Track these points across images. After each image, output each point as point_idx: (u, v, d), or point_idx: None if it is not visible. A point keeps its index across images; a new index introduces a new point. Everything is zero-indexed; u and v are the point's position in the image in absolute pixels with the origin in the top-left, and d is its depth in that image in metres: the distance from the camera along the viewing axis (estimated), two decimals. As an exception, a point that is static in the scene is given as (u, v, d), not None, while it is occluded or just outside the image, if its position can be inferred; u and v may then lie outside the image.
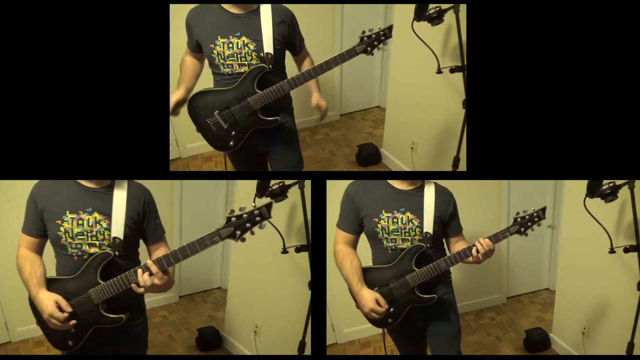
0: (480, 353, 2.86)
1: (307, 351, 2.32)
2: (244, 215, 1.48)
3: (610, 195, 2.01)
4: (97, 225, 1.57)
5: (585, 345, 2.56)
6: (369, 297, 1.74)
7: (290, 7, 1.93)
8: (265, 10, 1.85)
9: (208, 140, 1.95)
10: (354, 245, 1.86)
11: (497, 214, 3.25)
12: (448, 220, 1.82)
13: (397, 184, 1.82)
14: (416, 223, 1.78)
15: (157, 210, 1.70)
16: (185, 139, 3.25)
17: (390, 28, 1.81)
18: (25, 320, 2.94)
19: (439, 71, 2.33)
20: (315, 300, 2.17)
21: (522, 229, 1.74)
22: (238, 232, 1.49)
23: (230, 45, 1.82)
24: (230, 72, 1.85)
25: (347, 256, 1.80)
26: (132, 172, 1.82)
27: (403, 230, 1.78)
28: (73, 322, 1.53)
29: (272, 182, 2.14)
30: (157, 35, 1.81)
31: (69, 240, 1.56)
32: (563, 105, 1.82)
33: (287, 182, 2.17)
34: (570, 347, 2.70)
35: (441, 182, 1.84)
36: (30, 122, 1.78)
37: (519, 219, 1.74)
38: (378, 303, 1.73)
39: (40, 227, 1.61)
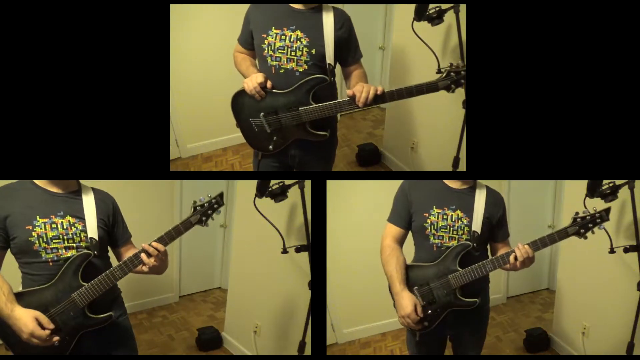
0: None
1: (307, 351, 2.32)
2: (205, 204, 1.67)
3: (610, 195, 2.01)
4: (72, 227, 1.53)
5: (585, 345, 2.56)
6: (409, 302, 1.68)
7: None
8: (328, 10, 1.79)
9: (246, 137, 1.90)
10: (401, 241, 1.83)
11: (497, 214, 3.25)
12: (496, 224, 1.78)
13: (450, 182, 1.79)
14: (465, 222, 1.74)
15: (122, 215, 1.71)
16: (185, 139, 3.25)
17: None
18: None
19: (439, 71, 2.33)
20: (315, 300, 2.17)
21: (582, 231, 1.63)
22: (204, 219, 1.65)
23: (283, 37, 1.75)
24: (277, 66, 1.77)
25: (394, 253, 1.76)
26: (132, 172, 1.82)
27: (452, 228, 1.74)
28: (56, 338, 1.46)
29: (272, 182, 2.14)
30: (157, 35, 1.81)
31: (43, 245, 1.49)
32: (563, 106, 1.82)
33: (287, 182, 2.17)
34: (570, 347, 2.70)
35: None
36: (30, 122, 1.78)
37: (578, 219, 1.63)
38: (416, 310, 1.68)
39: (2, 238, 1.51)
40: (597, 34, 1.80)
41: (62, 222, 1.53)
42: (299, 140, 1.84)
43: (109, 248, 1.68)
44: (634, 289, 2.12)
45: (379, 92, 1.70)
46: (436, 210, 1.75)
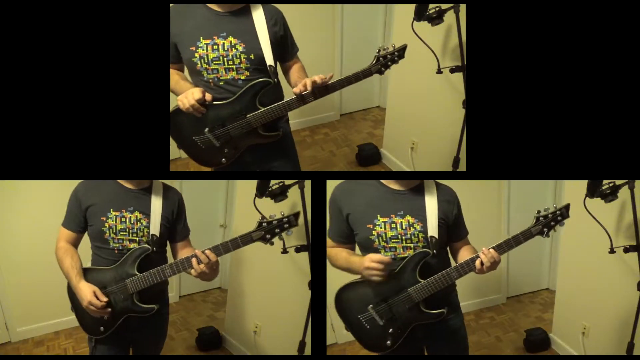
0: (480, 353, 2.86)
1: (307, 351, 2.32)
2: (274, 222, 1.59)
3: (610, 195, 2.01)
4: (138, 223, 1.72)
5: (585, 345, 2.56)
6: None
7: (291, 7, 1.88)
8: (257, 9, 1.68)
9: (194, 157, 1.79)
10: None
11: (497, 214, 3.25)
12: (453, 222, 1.61)
13: (392, 184, 1.59)
14: (419, 228, 1.55)
15: (186, 212, 1.85)
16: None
17: (404, 49, 1.68)
18: (25, 320, 2.95)
19: (439, 71, 2.33)
20: (315, 300, 2.17)
21: (545, 229, 1.55)
22: (268, 236, 1.60)
23: (215, 47, 1.63)
24: (216, 79, 1.66)
25: (342, 251, 1.63)
26: (132, 172, 1.82)
27: (404, 237, 1.55)
28: (109, 309, 1.66)
29: (272, 182, 2.14)
30: (157, 35, 1.81)
31: (112, 235, 1.70)
32: (563, 105, 1.82)
33: (287, 182, 2.17)
34: (570, 347, 2.70)
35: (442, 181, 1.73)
36: (30, 122, 1.78)
37: (541, 218, 1.55)
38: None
39: (81, 224, 1.74)
40: (597, 34, 1.80)
41: (130, 217, 1.72)
42: (251, 146, 1.74)
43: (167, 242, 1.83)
44: (634, 289, 2.12)
45: (318, 80, 1.60)
46: (381, 220, 1.55)
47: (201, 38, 1.64)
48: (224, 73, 1.65)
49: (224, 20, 1.66)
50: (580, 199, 2.03)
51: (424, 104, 2.81)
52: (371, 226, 1.56)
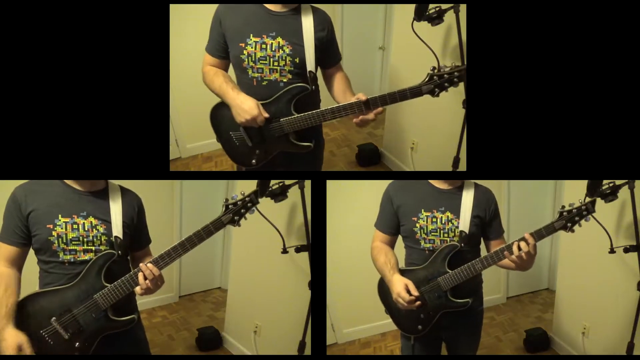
0: (480, 353, 2.85)
1: (307, 351, 2.32)
2: (238, 202, 1.56)
3: (610, 195, 2.01)
4: (94, 230, 1.50)
5: (585, 345, 2.56)
6: (399, 282, 1.65)
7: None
8: (307, 12, 1.66)
9: (227, 152, 1.80)
10: (390, 245, 1.82)
11: (497, 214, 3.25)
12: (488, 221, 1.74)
13: (437, 183, 1.76)
14: (455, 223, 1.70)
15: (146, 219, 1.68)
16: (185, 139, 3.25)
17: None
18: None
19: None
20: (315, 300, 2.17)
21: (569, 224, 1.57)
22: (236, 218, 1.56)
23: (264, 46, 1.63)
24: (259, 78, 1.67)
25: (382, 250, 1.76)
26: (132, 172, 1.82)
27: (442, 231, 1.70)
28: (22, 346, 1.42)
29: (272, 182, 2.14)
30: (157, 35, 1.81)
31: (62, 245, 1.47)
32: (563, 106, 1.82)
33: (287, 182, 2.17)
34: (570, 347, 2.70)
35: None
36: (30, 122, 1.78)
37: (565, 213, 1.58)
38: (408, 290, 1.64)
39: (24, 235, 1.49)
40: (597, 34, 1.80)
41: (83, 223, 1.50)
42: (283, 152, 1.74)
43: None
44: (634, 289, 2.12)
45: (362, 104, 1.59)
46: (425, 214, 1.72)
47: (251, 35, 1.64)
48: (268, 73, 1.65)
49: (274, 20, 1.65)
50: (581, 199, 2.03)
51: (424, 103, 2.80)
52: (415, 219, 1.72)
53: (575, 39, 1.81)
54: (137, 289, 1.48)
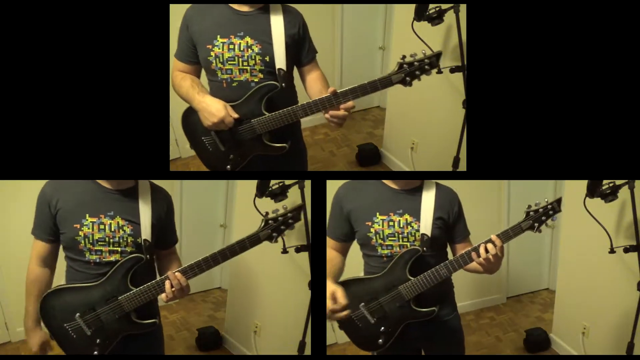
0: (480, 353, 2.86)
1: (307, 351, 2.32)
2: (279, 218, 1.49)
3: (610, 195, 2.01)
4: (120, 230, 1.48)
5: (585, 345, 2.56)
6: (327, 291, 1.54)
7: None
8: (277, 10, 1.63)
9: (202, 159, 1.77)
10: (343, 252, 1.72)
11: (497, 214, 3.25)
12: (452, 223, 1.62)
13: (393, 183, 1.62)
14: (415, 226, 1.57)
15: (174, 218, 1.67)
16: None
17: (438, 56, 1.51)
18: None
19: (439, 71, 2.32)
20: (315, 300, 2.17)
21: (536, 224, 1.51)
22: (275, 235, 1.51)
23: (232, 46, 1.59)
24: (229, 80, 1.63)
25: (330, 259, 1.66)
26: (132, 172, 1.82)
27: (400, 235, 1.56)
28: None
29: (272, 182, 2.14)
30: (157, 35, 1.81)
31: (89, 246, 1.47)
32: (563, 105, 1.82)
33: (287, 182, 2.17)
34: (570, 347, 2.70)
35: (443, 182, 1.73)
36: (30, 122, 1.78)
37: (532, 213, 1.52)
38: (334, 297, 1.52)
39: (53, 232, 1.50)
40: (597, 34, 1.80)
41: (110, 224, 1.48)
42: (260, 155, 1.67)
43: None
44: (634, 289, 2.12)
45: (332, 96, 1.52)
46: (380, 217, 1.58)
47: (218, 36, 1.60)
48: (237, 74, 1.61)
49: (242, 20, 1.62)
50: (580, 199, 2.03)
51: (424, 104, 2.81)
52: (370, 223, 1.59)
53: (575, 39, 1.81)
54: (163, 296, 1.47)
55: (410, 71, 1.51)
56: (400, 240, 1.57)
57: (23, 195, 2.86)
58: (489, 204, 3.23)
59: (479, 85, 1.86)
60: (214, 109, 1.56)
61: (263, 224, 1.49)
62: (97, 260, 1.48)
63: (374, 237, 1.59)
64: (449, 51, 2.41)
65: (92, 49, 1.78)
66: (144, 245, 1.50)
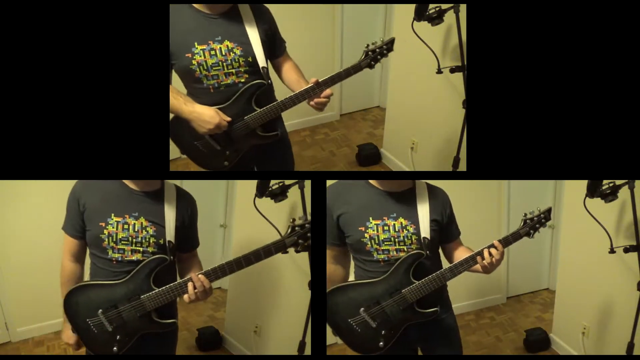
0: (480, 353, 2.86)
1: (307, 351, 2.32)
2: (306, 225, 1.53)
3: (610, 195, 2.01)
4: (143, 231, 1.52)
5: (585, 345, 2.56)
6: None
7: (291, 7, 1.89)
8: (245, 9, 1.67)
9: (196, 161, 1.80)
10: (340, 260, 1.70)
11: (497, 214, 3.25)
12: (446, 223, 1.63)
13: (383, 185, 1.59)
14: (411, 230, 1.55)
15: (197, 222, 1.69)
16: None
17: (392, 42, 1.70)
18: (26, 320, 2.94)
19: (439, 71, 2.33)
20: (315, 300, 2.17)
21: (532, 231, 1.62)
22: (301, 242, 1.54)
23: (213, 52, 1.62)
24: (216, 84, 1.66)
25: (330, 273, 1.67)
26: (132, 172, 1.82)
27: (397, 240, 1.56)
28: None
29: (272, 182, 2.14)
30: (157, 35, 1.81)
31: (112, 244, 1.51)
32: (563, 105, 1.82)
33: (287, 182, 2.17)
34: (570, 347, 2.70)
35: (435, 182, 1.72)
36: (30, 122, 1.78)
37: (528, 221, 1.62)
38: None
39: (80, 229, 1.56)
40: (597, 34, 1.80)
41: (134, 224, 1.52)
42: (253, 147, 1.76)
43: None
44: (634, 289, 2.12)
45: (315, 85, 1.65)
46: (374, 222, 1.56)
47: (196, 44, 1.62)
48: (224, 78, 1.65)
49: (215, 23, 1.63)
50: (580, 199, 2.03)
51: (424, 104, 2.81)
52: (363, 229, 1.57)
53: (575, 39, 1.81)
54: (185, 297, 1.49)
55: (373, 56, 1.68)
56: (397, 244, 1.56)
57: (24, 196, 2.88)
58: (488, 204, 3.23)
59: (479, 85, 1.86)
60: (208, 117, 1.62)
61: (290, 230, 1.51)
62: (119, 259, 1.51)
63: (369, 243, 1.57)
64: (449, 51, 2.41)
65: (92, 49, 1.78)
66: (168, 246, 1.54)
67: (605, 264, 2.32)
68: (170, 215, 1.56)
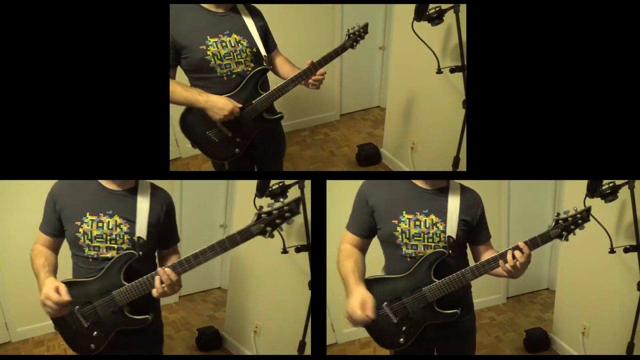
0: (480, 353, 2.86)
1: (307, 351, 2.32)
2: (274, 212, 1.44)
3: (610, 195, 2.01)
4: (117, 228, 1.56)
5: (585, 345, 2.56)
6: (357, 297, 1.49)
7: (291, 7, 1.92)
8: (242, 8, 1.88)
9: (207, 152, 1.91)
10: (362, 248, 1.67)
11: (497, 214, 3.25)
12: (476, 225, 1.62)
13: (420, 182, 1.62)
14: (441, 227, 1.56)
15: (176, 218, 1.71)
16: (185, 139, 3.24)
17: (366, 26, 1.87)
18: (26, 320, 2.94)
19: (439, 71, 2.33)
20: (315, 300, 2.17)
21: (564, 233, 1.49)
22: (268, 229, 1.44)
23: (224, 44, 1.80)
24: (229, 73, 1.83)
25: (352, 255, 1.62)
26: (132, 172, 1.82)
27: (426, 235, 1.56)
28: (66, 308, 1.50)
29: (272, 182, 2.14)
30: (157, 35, 1.81)
31: (87, 242, 1.55)
32: (563, 105, 1.82)
33: (287, 182, 2.17)
34: (570, 347, 2.70)
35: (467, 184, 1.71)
36: (30, 122, 1.78)
37: (560, 221, 1.49)
38: (364, 306, 1.48)
39: (57, 227, 1.61)
40: (597, 34, 1.80)
41: (108, 222, 1.56)
42: (257, 134, 1.92)
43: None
44: (634, 289, 2.12)
45: (311, 66, 1.84)
46: (407, 216, 1.57)
47: (208, 37, 1.78)
48: (234, 67, 1.82)
49: (223, 20, 1.82)
50: (580, 199, 2.03)
51: (424, 104, 2.81)
52: (396, 222, 1.58)
53: (575, 39, 1.81)
54: (153, 291, 1.49)
55: (354, 38, 1.89)
56: (425, 240, 1.57)
57: (23, 196, 2.88)
58: (488, 204, 3.22)
59: (479, 85, 1.86)
60: (222, 104, 1.78)
61: (256, 218, 1.44)
62: (95, 256, 1.56)
63: (400, 236, 1.58)
64: (449, 51, 2.41)
65: (92, 49, 1.78)
66: (137, 242, 1.56)
67: (605, 264, 2.32)
68: (143, 212, 1.58)
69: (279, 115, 1.95)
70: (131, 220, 1.57)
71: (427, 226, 1.57)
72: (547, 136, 1.83)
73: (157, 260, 1.69)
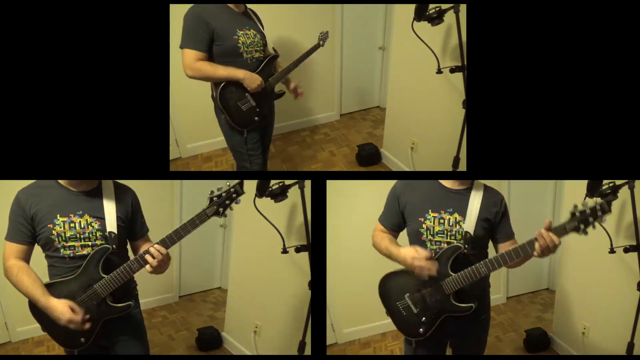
0: (480, 353, 2.86)
1: (307, 351, 2.32)
2: (222, 194, 1.63)
3: (610, 195, 2.01)
4: (89, 227, 1.65)
5: (585, 345, 2.56)
6: (408, 251, 1.62)
7: (291, 7, 1.93)
8: (250, 10, 2.20)
9: (234, 118, 2.16)
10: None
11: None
12: (498, 224, 1.69)
13: (447, 182, 1.71)
14: (463, 226, 1.65)
15: (142, 209, 1.80)
16: (185, 139, 3.25)
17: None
18: (25, 320, 2.94)
19: (439, 71, 2.33)
20: (315, 300, 2.17)
21: (581, 226, 1.41)
22: (220, 209, 1.63)
23: (248, 35, 2.13)
24: (251, 57, 2.14)
25: (386, 236, 1.75)
26: (132, 172, 1.82)
27: (449, 233, 1.65)
28: (88, 322, 1.61)
29: (272, 182, 2.14)
30: (157, 35, 1.81)
31: (62, 242, 1.63)
32: (563, 106, 1.82)
33: (287, 182, 2.17)
34: (570, 347, 2.70)
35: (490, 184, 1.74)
36: (30, 122, 1.78)
37: (578, 214, 1.41)
38: (418, 251, 1.60)
39: (30, 234, 1.64)
40: (597, 34, 1.80)
41: (79, 222, 1.64)
42: (267, 106, 2.26)
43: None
44: (634, 289, 2.12)
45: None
46: (432, 214, 1.67)
47: (237, 30, 2.09)
48: (254, 53, 2.16)
49: (243, 17, 2.16)
50: (580, 199, 2.03)
51: (424, 104, 2.81)
52: (422, 219, 1.69)
53: (575, 39, 1.81)
54: (147, 267, 1.60)
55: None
56: (448, 237, 1.66)
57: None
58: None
59: (479, 85, 1.86)
60: (256, 77, 2.14)
61: (208, 202, 1.62)
62: (72, 255, 1.64)
63: (425, 233, 1.68)
64: (449, 51, 2.41)
65: (93, 49, 1.78)
66: (109, 237, 1.65)
67: (605, 264, 2.32)
68: (110, 208, 1.68)
69: (282, 92, 2.31)
70: (101, 217, 1.66)
71: (450, 224, 1.66)
72: (547, 136, 1.83)
73: (127, 254, 1.77)
